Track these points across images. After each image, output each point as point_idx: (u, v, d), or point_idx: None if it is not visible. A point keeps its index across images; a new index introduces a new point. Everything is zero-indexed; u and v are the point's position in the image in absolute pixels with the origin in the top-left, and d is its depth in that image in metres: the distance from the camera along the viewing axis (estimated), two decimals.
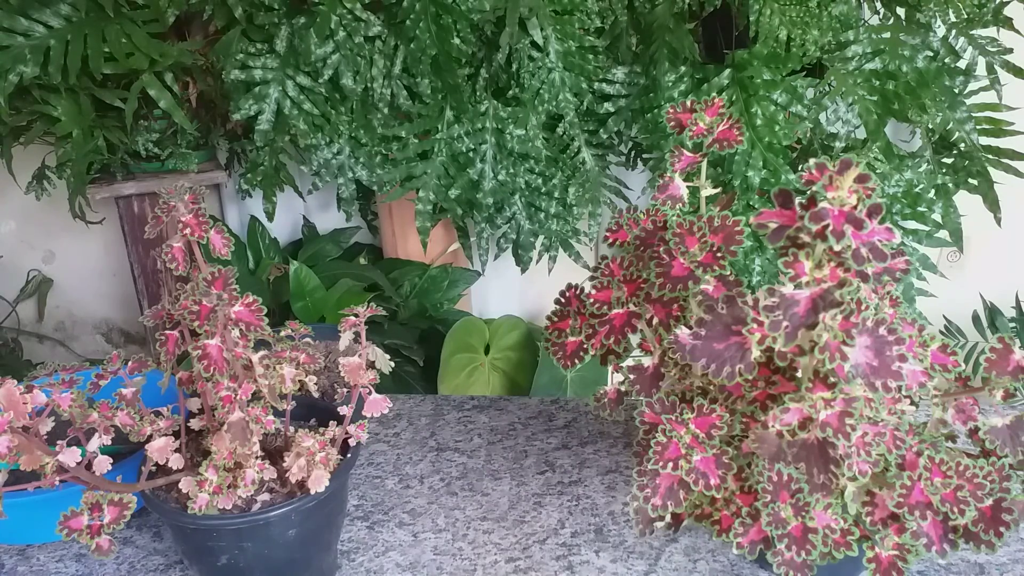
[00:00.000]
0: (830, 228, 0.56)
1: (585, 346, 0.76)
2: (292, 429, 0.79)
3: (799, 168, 0.60)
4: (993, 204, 1.42)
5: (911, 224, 1.36)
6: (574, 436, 1.04)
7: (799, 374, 0.62)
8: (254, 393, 0.72)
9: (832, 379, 0.59)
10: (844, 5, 1.30)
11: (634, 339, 0.74)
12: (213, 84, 1.53)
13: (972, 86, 1.39)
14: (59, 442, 0.66)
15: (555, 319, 0.81)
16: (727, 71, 1.33)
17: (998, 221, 1.43)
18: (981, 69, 1.40)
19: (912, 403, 0.68)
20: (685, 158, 0.74)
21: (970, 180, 1.42)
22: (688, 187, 0.74)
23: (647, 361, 0.73)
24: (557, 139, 1.47)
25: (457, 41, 1.33)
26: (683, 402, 0.69)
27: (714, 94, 1.16)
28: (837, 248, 0.57)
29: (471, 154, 1.45)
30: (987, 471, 0.65)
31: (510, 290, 1.99)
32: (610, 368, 0.81)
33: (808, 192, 0.58)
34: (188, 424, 0.78)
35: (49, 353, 2.13)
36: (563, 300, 0.81)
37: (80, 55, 1.33)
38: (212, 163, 1.73)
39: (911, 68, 1.33)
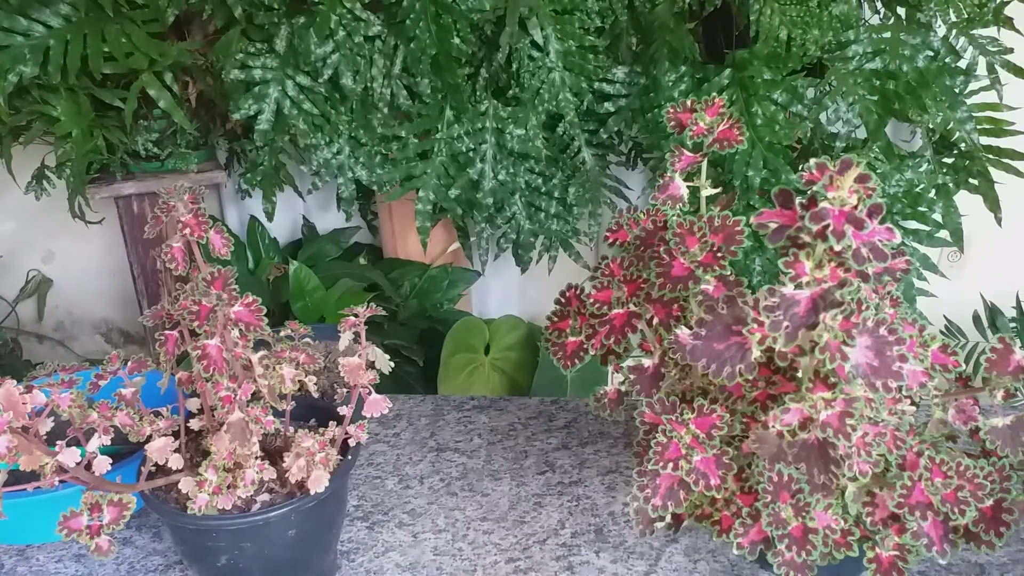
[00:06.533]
0: (831, 228, 0.56)
1: (585, 346, 0.76)
2: (292, 429, 0.79)
3: (799, 168, 0.59)
4: (993, 204, 1.42)
5: (911, 224, 1.36)
6: (574, 436, 1.04)
7: (799, 374, 0.62)
8: (254, 393, 0.72)
9: (832, 379, 0.59)
10: (844, 5, 1.30)
11: (634, 339, 0.74)
12: (213, 84, 1.53)
13: (972, 86, 1.39)
14: (59, 442, 0.66)
15: (555, 319, 0.80)
16: (727, 71, 1.33)
17: (998, 221, 1.43)
18: (982, 69, 1.40)
19: (913, 403, 0.68)
20: (685, 158, 0.74)
21: (971, 180, 1.42)
22: (688, 187, 0.74)
23: (647, 361, 0.73)
24: (557, 139, 1.47)
25: (457, 41, 1.32)
26: (683, 402, 0.69)
27: (714, 94, 1.15)
28: (837, 248, 0.57)
29: (471, 154, 1.45)
30: (987, 471, 0.65)
31: (510, 290, 1.99)
32: (610, 368, 0.80)
33: (808, 192, 0.58)
34: (188, 424, 0.78)
35: (49, 353, 2.13)
36: (563, 300, 0.81)
37: (80, 55, 1.33)
38: (212, 163, 1.73)
39: (911, 68, 1.33)
